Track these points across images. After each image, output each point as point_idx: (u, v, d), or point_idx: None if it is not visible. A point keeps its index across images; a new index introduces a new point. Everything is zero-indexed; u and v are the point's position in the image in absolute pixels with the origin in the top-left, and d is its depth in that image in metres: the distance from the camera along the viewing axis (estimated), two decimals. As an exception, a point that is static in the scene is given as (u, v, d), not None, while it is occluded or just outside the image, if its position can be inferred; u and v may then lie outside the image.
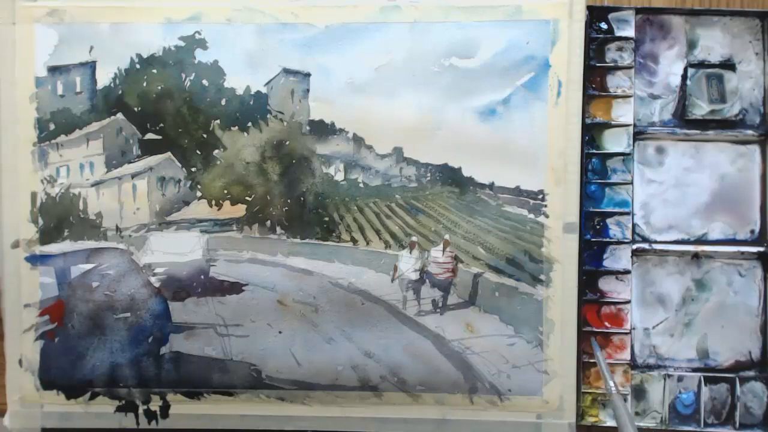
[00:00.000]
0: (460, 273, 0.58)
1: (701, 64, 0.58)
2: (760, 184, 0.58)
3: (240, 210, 0.59)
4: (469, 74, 0.57)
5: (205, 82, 0.58)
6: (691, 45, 0.59)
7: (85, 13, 0.58)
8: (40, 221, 0.58)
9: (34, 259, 0.58)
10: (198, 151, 0.59)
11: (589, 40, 0.58)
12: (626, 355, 0.58)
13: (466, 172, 0.58)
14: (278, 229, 0.59)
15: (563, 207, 0.57)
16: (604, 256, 0.58)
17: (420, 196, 0.58)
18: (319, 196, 0.59)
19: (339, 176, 0.59)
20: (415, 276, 0.59)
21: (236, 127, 0.59)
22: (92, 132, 0.59)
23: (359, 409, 0.59)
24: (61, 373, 0.59)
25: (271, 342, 0.58)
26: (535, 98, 0.57)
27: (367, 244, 0.59)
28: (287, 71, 0.58)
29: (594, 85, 0.58)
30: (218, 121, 0.59)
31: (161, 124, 0.59)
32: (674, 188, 0.59)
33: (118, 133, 0.59)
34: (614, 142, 0.58)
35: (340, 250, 0.58)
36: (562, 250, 0.57)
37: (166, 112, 0.59)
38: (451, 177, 0.58)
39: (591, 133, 0.58)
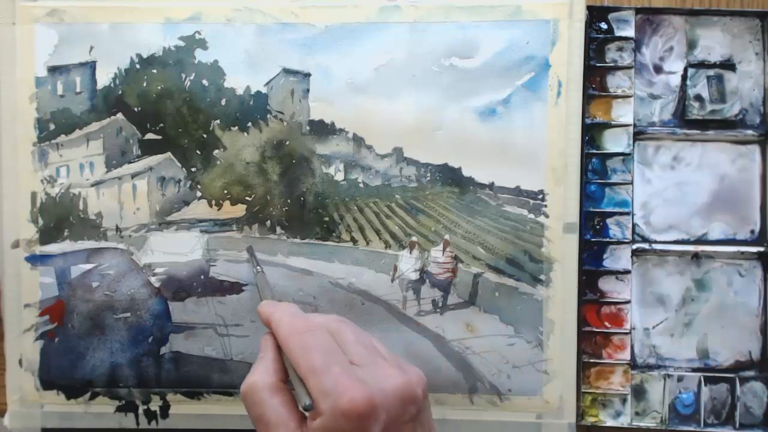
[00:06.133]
0: (460, 273, 0.58)
1: (701, 64, 0.58)
2: (760, 184, 0.58)
3: (240, 210, 0.59)
4: (469, 74, 0.57)
5: (205, 82, 0.58)
6: (691, 45, 0.59)
7: (85, 13, 0.58)
8: (40, 221, 0.58)
9: (34, 259, 0.58)
10: (198, 151, 0.59)
11: (589, 40, 0.58)
12: (626, 355, 0.58)
13: (466, 172, 0.58)
14: (278, 229, 0.59)
15: (563, 207, 0.57)
16: (604, 256, 0.58)
17: (420, 196, 0.58)
18: (319, 196, 0.59)
19: (339, 176, 0.59)
20: (415, 276, 0.59)
21: (236, 127, 0.59)
22: (92, 132, 0.59)
23: (359, 409, 0.58)
24: (61, 373, 0.59)
25: (271, 342, 0.58)
26: (535, 98, 0.57)
27: (367, 244, 0.59)
28: (287, 71, 0.58)
29: (594, 85, 0.58)
30: (218, 121, 0.59)
31: (161, 124, 0.59)
32: (674, 188, 0.59)
33: (118, 133, 0.59)
34: (614, 142, 0.58)
35: (340, 250, 0.58)
36: (562, 250, 0.57)
37: (166, 112, 0.59)
38: (451, 177, 0.58)
39: (591, 133, 0.58)
